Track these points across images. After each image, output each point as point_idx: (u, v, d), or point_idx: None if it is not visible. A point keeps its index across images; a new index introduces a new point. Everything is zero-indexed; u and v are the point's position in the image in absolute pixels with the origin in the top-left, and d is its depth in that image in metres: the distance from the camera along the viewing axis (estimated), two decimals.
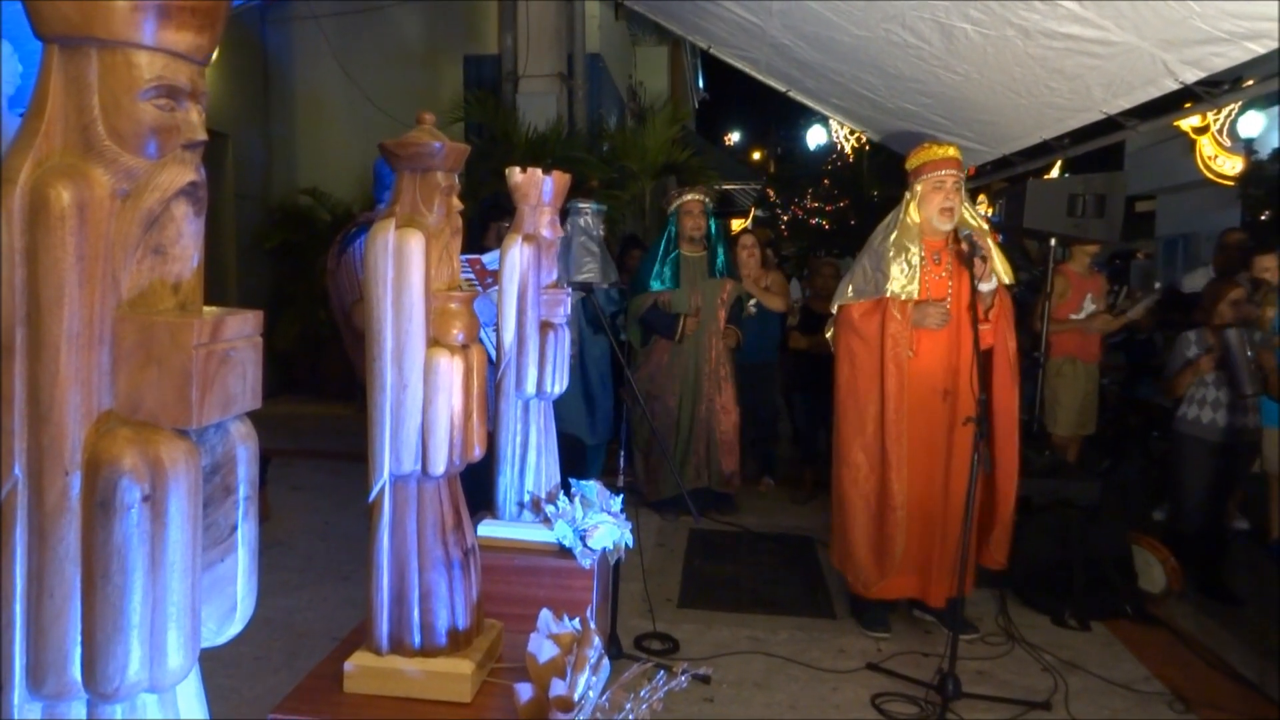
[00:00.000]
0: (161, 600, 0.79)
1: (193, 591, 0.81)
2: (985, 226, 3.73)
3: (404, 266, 1.47)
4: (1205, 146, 11.44)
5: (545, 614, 1.62)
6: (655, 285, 5.25)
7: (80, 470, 0.78)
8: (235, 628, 0.91)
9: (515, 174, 2.37)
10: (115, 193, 0.80)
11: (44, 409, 0.78)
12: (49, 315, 0.77)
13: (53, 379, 0.77)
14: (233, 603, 0.90)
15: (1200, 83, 3.40)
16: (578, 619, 1.68)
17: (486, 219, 3.80)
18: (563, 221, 2.69)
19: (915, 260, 3.59)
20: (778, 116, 22.68)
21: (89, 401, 0.79)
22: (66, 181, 0.76)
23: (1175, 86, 3.46)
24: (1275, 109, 9.81)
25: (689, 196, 5.34)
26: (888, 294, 3.58)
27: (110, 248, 0.79)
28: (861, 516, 3.72)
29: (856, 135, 16.04)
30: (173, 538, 0.79)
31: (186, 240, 0.85)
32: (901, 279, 3.58)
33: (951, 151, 3.58)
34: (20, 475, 0.78)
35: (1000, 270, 3.63)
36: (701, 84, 19.33)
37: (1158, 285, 5.97)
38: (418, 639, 1.56)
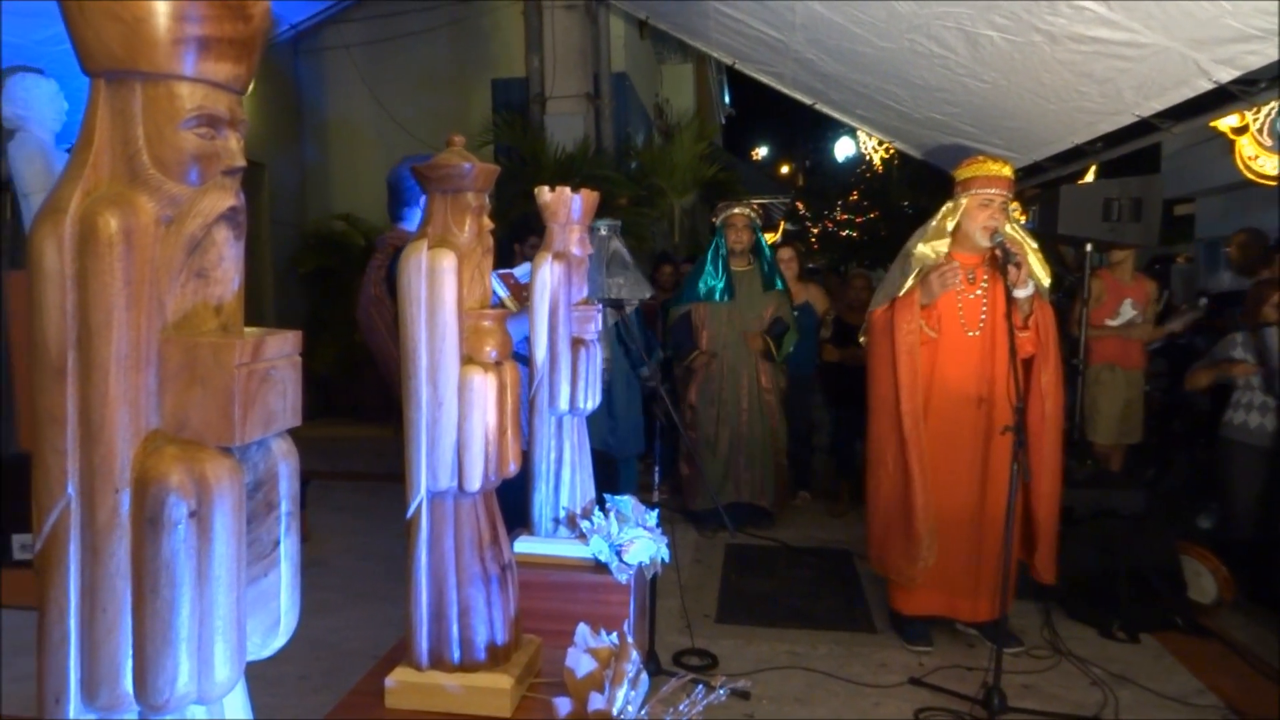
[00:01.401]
0: (208, 614, 0.81)
1: (238, 605, 0.83)
2: (1031, 242, 3.66)
3: (437, 286, 1.49)
4: (1245, 147, 11.20)
5: (582, 628, 1.63)
6: (704, 297, 5.25)
7: (129, 488, 0.81)
8: (279, 641, 0.93)
9: (544, 193, 2.40)
10: (160, 219, 0.83)
11: (95, 429, 0.80)
12: (98, 338, 0.80)
13: (103, 400, 0.80)
14: (276, 616, 0.92)
15: (1235, 81, 3.35)
16: (615, 633, 1.69)
17: (514, 240, 3.82)
18: None
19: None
20: (805, 130, 22.65)
21: (137, 421, 0.82)
22: (114, 209, 0.79)
23: (1209, 86, 3.41)
24: None
25: (735, 210, 5.37)
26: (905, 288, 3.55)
27: (156, 272, 0.82)
28: (890, 515, 3.66)
29: (885, 146, 15.98)
30: (218, 553, 0.81)
31: (228, 263, 0.88)
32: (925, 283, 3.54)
33: (1006, 170, 3.51)
34: (73, 494, 0.81)
35: (1038, 274, 3.58)
36: (727, 100, 19.38)
37: (1203, 301, 5.86)
38: (457, 654, 1.57)
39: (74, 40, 0.81)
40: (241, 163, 0.88)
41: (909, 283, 3.55)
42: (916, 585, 3.64)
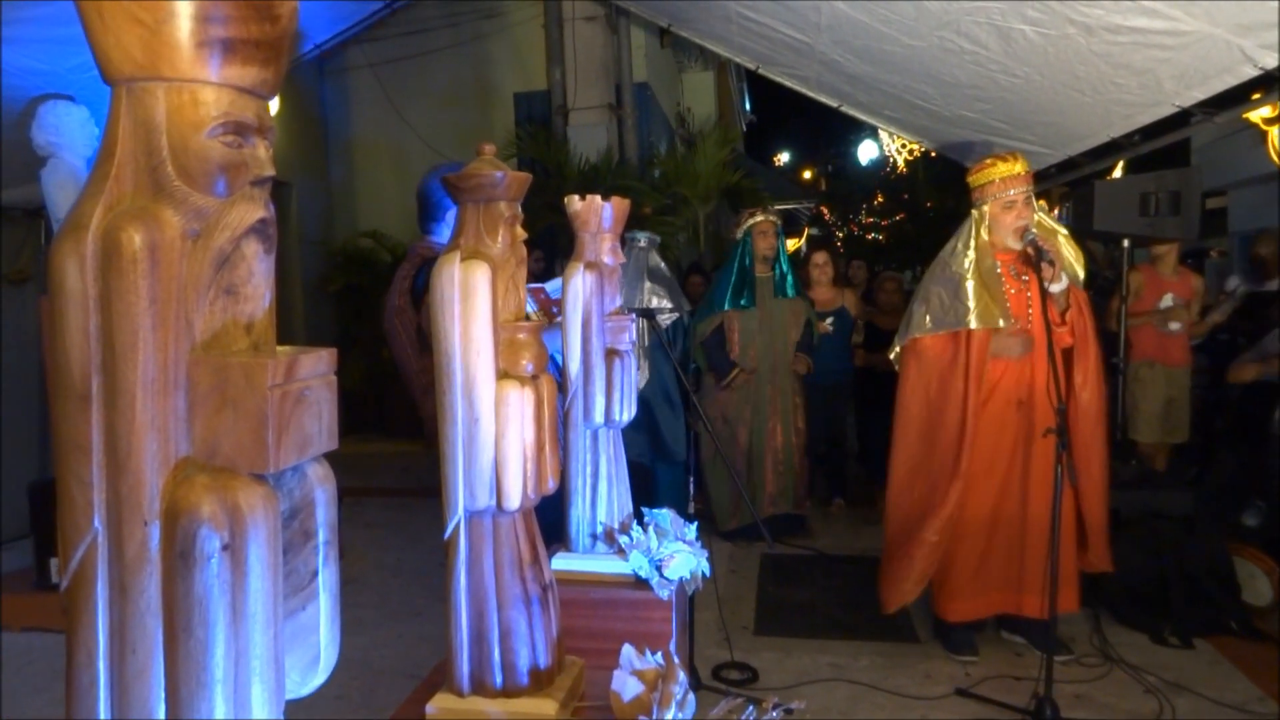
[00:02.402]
0: (244, 653, 0.76)
1: (275, 642, 0.78)
2: (1061, 230, 3.59)
3: (471, 299, 1.45)
4: (1278, 138, 10.95)
5: (628, 650, 1.57)
6: (730, 305, 5.20)
7: (159, 520, 0.76)
8: (319, 678, 0.88)
9: (574, 201, 2.36)
10: (186, 233, 0.78)
11: (121, 458, 0.76)
12: (124, 361, 0.75)
13: (129, 427, 0.76)
14: (316, 652, 0.86)
15: None
16: (660, 653, 1.63)
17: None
18: None
19: (1000, 287, 3.47)
20: (827, 134, 22.55)
21: (166, 448, 0.77)
22: (138, 224, 0.75)
23: (1255, 73, 3.30)
24: None
25: (761, 217, 5.31)
26: (971, 325, 3.45)
27: (183, 290, 0.77)
28: (902, 539, 3.63)
29: (909, 148, 15.84)
30: (253, 587, 0.76)
31: (258, 279, 0.83)
32: (990, 305, 3.46)
33: (1019, 167, 3.43)
34: (100, 527, 0.76)
35: (1070, 262, 3.50)
36: (748, 106, 19.33)
37: (1242, 289, 5.72)
38: (499, 679, 1.52)
39: (93, 46, 0.76)
40: (271, 172, 0.83)
41: (976, 319, 3.45)
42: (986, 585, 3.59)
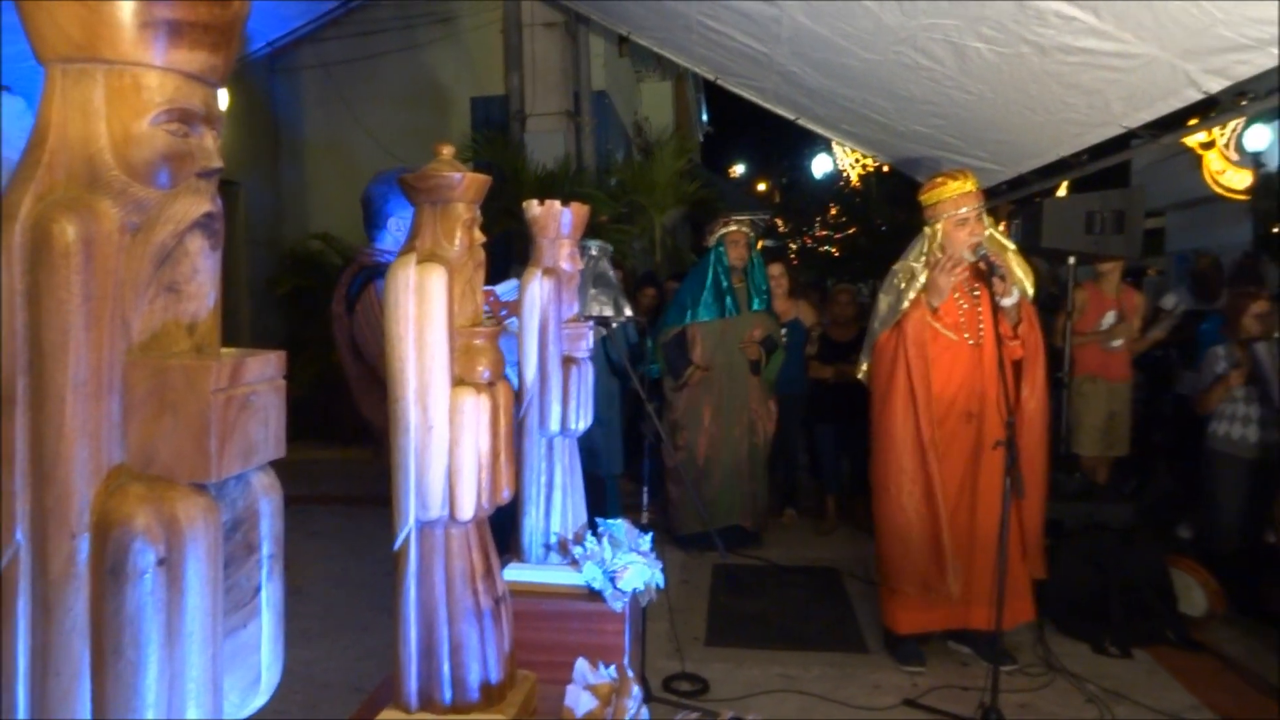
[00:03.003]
0: (179, 675, 0.71)
1: (213, 663, 0.73)
2: (1010, 245, 3.67)
3: (426, 303, 1.41)
4: (1213, 161, 11.32)
5: (581, 664, 1.54)
6: (706, 315, 5.15)
7: (88, 533, 0.71)
8: (260, 699, 0.83)
9: (533, 206, 2.32)
10: (124, 226, 0.73)
11: (48, 466, 0.70)
12: (53, 362, 0.70)
13: (58, 432, 0.70)
14: (257, 672, 0.81)
15: (1226, 91, 3.35)
16: (614, 666, 1.60)
17: None
18: None
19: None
20: (782, 147, 22.76)
21: (98, 456, 0.72)
22: (71, 215, 0.69)
23: (1199, 97, 3.41)
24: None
25: (733, 226, 5.28)
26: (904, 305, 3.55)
27: (119, 287, 0.72)
28: (919, 534, 3.62)
29: (863, 163, 16.05)
30: (190, 605, 0.71)
31: (202, 277, 0.78)
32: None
33: (969, 185, 3.50)
34: (22, 540, 0.70)
35: (1019, 277, 3.59)
36: (705, 118, 19.44)
37: (1181, 307, 5.91)
38: (449, 695, 1.47)
39: (25, 23, 0.71)
40: (218, 163, 0.78)
41: (910, 296, 3.52)
42: (940, 599, 3.60)
